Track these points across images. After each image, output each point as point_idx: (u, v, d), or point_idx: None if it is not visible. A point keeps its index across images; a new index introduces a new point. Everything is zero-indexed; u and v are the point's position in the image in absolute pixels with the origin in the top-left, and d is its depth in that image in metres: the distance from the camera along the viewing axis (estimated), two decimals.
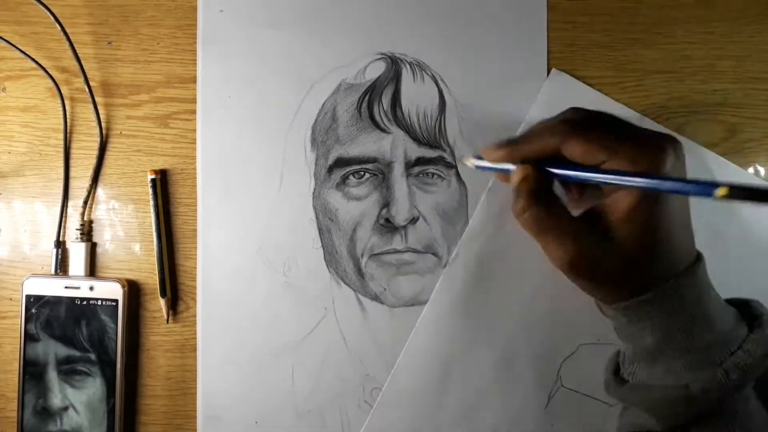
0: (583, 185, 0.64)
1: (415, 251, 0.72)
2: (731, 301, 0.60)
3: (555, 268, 0.59)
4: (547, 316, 0.71)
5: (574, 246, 0.56)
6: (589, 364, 0.72)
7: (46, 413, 0.72)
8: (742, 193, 0.43)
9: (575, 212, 0.59)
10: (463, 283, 0.73)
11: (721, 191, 0.44)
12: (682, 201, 0.57)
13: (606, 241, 0.55)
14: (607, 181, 0.54)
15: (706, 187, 0.46)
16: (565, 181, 0.65)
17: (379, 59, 0.73)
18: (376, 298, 0.73)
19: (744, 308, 0.60)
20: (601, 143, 0.54)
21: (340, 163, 0.73)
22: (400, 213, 0.72)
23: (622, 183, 0.53)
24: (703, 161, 0.73)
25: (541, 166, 0.59)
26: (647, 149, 0.54)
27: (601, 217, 0.56)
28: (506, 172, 0.62)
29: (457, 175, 0.73)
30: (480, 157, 0.65)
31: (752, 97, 0.74)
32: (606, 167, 0.54)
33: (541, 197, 0.58)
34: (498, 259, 0.73)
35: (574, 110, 0.59)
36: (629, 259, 0.55)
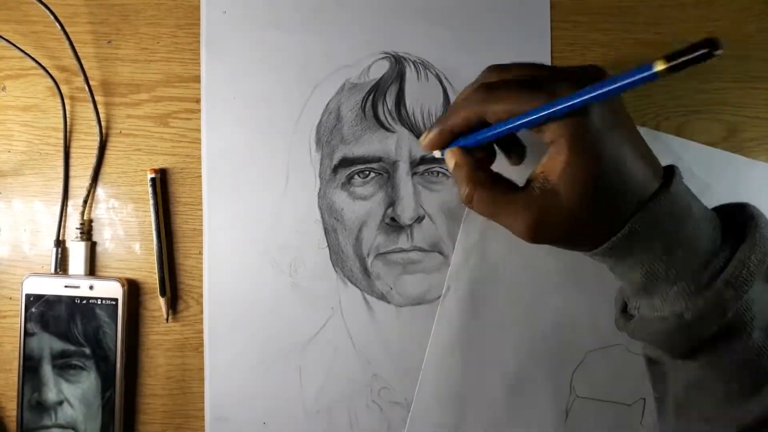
0: (521, 148, 0.64)
1: (421, 250, 0.73)
2: (724, 208, 0.58)
3: (525, 242, 0.57)
4: (549, 330, 0.71)
5: (531, 216, 0.54)
6: (599, 369, 0.72)
7: (41, 407, 0.72)
8: (681, 55, 0.42)
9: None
10: (460, 316, 0.73)
11: (659, 65, 0.43)
12: (622, 129, 0.54)
13: (558, 201, 0.53)
14: (534, 119, 0.52)
15: (644, 70, 0.44)
16: (505, 150, 0.64)
17: (382, 58, 0.73)
18: (382, 297, 0.73)
19: (738, 214, 0.56)
20: (520, 95, 0.53)
21: (345, 162, 0.73)
22: (406, 212, 0.72)
23: (550, 113, 0.51)
24: (708, 158, 0.73)
25: (469, 145, 0.59)
26: (568, 83, 0.52)
27: (546, 180, 0.53)
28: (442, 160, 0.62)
29: None
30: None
31: (752, 96, 0.74)
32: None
33: (482, 178, 0.58)
34: (488, 285, 0.73)
35: (489, 70, 0.58)
36: (587, 210, 0.53)
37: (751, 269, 0.51)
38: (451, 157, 0.60)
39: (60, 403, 0.72)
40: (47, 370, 0.71)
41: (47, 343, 0.71)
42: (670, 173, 0.55)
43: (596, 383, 0.72)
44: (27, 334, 0.71)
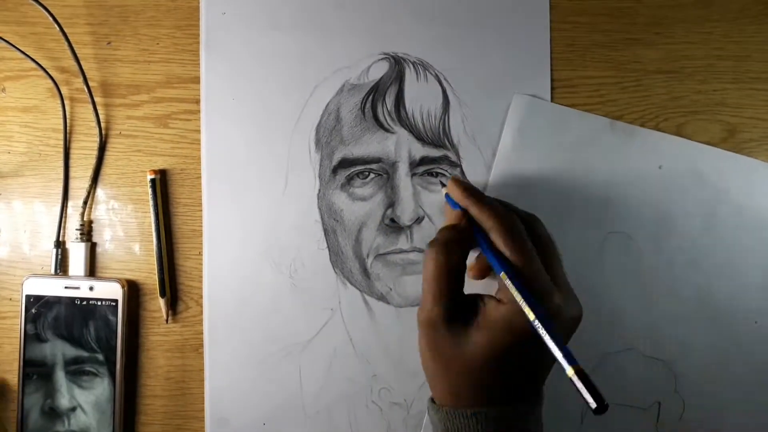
0: (486, 269, 0.65)
1: (420, 251, 0.73)
2: None
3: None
4: None
5: (444, 311, 0.57)
6: (614, 373, 0.73)
7: (54, 413, 0.72)
8: (586, 382, 0.50)
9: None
10: None
11: (570, 371, 0.50)
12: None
13: (468, 331, 0.56)
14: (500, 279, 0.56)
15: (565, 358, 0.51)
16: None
17: (382, 59, 0.73)
18: (382, 298, 0.73)
19: None
20: (520, 253, 0.57)
21: (345, 163, 0.73)
22: (406, 213, 0.72)
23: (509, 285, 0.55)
24: (708, 159, 0.73)
25: (472, 227, 0.61)
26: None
27: (478, 310, 0.57)
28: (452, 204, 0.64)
29: (462, 174, 0.73)
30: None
31: (752, 97, 0.74)
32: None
33: (456, 249, 0.59)
34: None
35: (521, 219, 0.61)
36: (477, 362, 0.55)
37: None
38: (457, 219, 0.62)
39: (73, 409, 0.72)
40: (60, 376, 0.72)
41: (60, 349, 0.72)
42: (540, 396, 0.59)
43: (611, 387, 0.72)
44: (26, 336, 0.71)
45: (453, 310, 0.57)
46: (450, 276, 0.58)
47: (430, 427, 0.61)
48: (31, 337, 0.71)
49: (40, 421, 0.72)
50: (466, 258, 0.60)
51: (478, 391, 0.56)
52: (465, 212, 0.61)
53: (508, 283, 0.54)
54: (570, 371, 0.50)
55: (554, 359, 0.52)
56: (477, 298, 0.58)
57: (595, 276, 0.73)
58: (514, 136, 0.73)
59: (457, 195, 0.62)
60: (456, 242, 0.59)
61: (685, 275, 0.73)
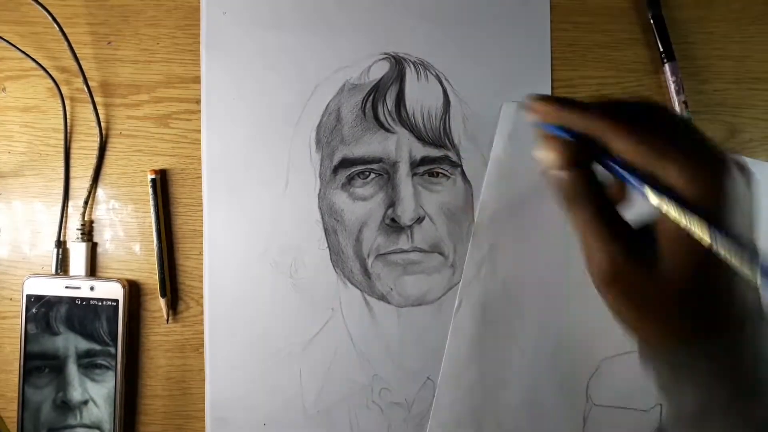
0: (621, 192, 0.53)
1: (421, 251, 0.73)
2: None
3: (593, 283, 0.50)
4: (563, 339, 0.71)
5: (620, 256, 0.47)
6: (615, 376, 0.73)
7: (65, 407, 0.72)
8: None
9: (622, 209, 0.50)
10: (473, 329, 0.73)
11: None
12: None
13: (655, 262, 0.46)
14: (646, 195, 0.45)
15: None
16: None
17: (383, 59, 0.73)
18: (383, 298, 0.73)
19: None
20: (651, 147, 0.44)
21: (345, 163, 0.73)
22: (406, 213, 0.72)
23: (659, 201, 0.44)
24: None
25: (588, 162, 0.49)
26: (701, 168, 0.43)
27: (654, 232, 0.46)
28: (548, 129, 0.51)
29: (463, 174, 0.73)
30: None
31: (752, 97, 0.74)
32: (653, 174, 0.45)
33: (590, 196, 0.49)
34: (500, 297, 0.73)
35: (631, 104, 0.49)
36: (676, 292, 0.45)
37: None
38: (570, 178, 0.50)
39: (85, 402, 0.72)
40: (72, 369, 0.71)
41: (72, 342, 0.72)
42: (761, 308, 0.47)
43: (612, 391, 0.72)
44: (28, 335, 0.71)
45: (633, 249, 0.47)
46: (608, 218, 0.48)
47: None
48: (40, 332, 0.71)
49: (53, 415, 0.72)
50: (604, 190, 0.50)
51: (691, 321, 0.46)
52: (572, 136, 0.49)
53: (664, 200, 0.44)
54: None
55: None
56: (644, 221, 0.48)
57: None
58: (505, 144, 0.73)
59: (551, 114, 0.50)
60: (588, 181, 0.49)
61: None
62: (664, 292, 0.46)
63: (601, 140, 0.47)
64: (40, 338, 0.71)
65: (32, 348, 0.71)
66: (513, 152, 0.73)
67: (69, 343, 0.71)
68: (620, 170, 0.47)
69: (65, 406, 0.71)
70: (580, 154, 0.49)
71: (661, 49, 0.73)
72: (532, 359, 0.73)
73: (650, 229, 0.46)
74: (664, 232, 0.45)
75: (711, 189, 0.43)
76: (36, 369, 0.71)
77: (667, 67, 0.73)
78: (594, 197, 0.49)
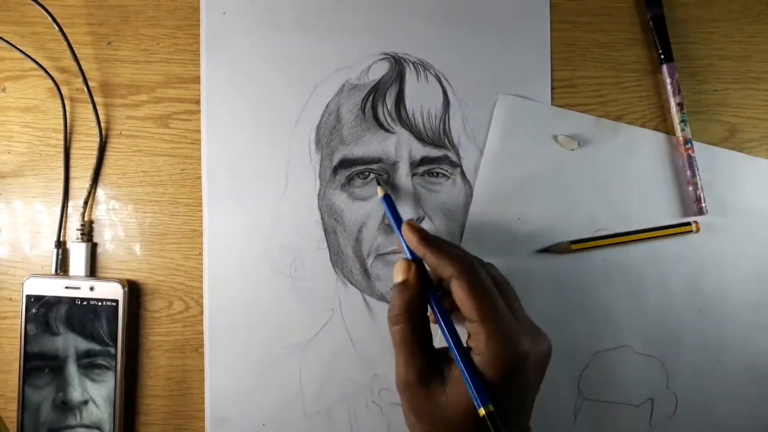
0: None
1: None
2: None
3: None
4: (555, 333, 0.71)
5: (418, 374, 0.56)
6: (606, 371, 0.73)
7: (65, 407, 0.72)
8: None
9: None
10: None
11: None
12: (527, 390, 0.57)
13: (444, 387, 0.55)
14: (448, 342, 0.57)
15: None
16: None
17: (382, 59, 0.73)
18: (382, 298, 0.73)
19: None
20: (472, 308, 0.55)
21: (345, 163, 0.73)
22: (406, 213, 0.72)
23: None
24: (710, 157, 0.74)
25: (425, 282, 0.60)
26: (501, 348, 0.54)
27: (451, 364, 0.56)
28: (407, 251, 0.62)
29: (462, 174, 0.73)
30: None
31: (752, 97, 0.74)
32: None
33: (415, 313, 0.59)
34: None
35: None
36: (458, 415, 0.54)
37: None
38: (408, 274, 0.60)
39: (85, 402, 0.72)
40: (72, 369, 0.71)
41: (72, 343, 0.72)
42: None
43: (603, 385, 0.73)
44: (27, 336, 0.71)
45: (427, 370, 0.57)
46: (415, 340, 0.57)
47: None
48: (40, 332, 0.71)
49: (53, 415, 0.72)
50: (426, 313, 0.59)
51: None
52: (419, 262, 0.60)
53: (458, 364, 0.55)
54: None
55: (532, 403, 0.57)
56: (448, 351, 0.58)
57: (585, 273, 0.73)
58: (499, 137, 0.73)
59: (412, 242, 0.60)
60: (413, 306, 0.59)
61: (675, 271, 0.73)
62: (450, 414, 0.55)
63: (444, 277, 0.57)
64: (39, 338, 0.71)
65: (32, 348, 0.71)
66: (508, 144, 0.73)
67: (69, 343, 0.71)
68: (437, 311, 0.58)
69: (65, 407, 0.71)
70: (416, 293, 0.59)
71: (660, 50, 0.73)
72: None
73: (449, 359, 0.57)
74: (454, 372, 0.55)
75: (501, 370, 0.54)
76: (36, 369, 0.71)
77: (664, 68, 0.73)
78: (415, 314, 0.59)
